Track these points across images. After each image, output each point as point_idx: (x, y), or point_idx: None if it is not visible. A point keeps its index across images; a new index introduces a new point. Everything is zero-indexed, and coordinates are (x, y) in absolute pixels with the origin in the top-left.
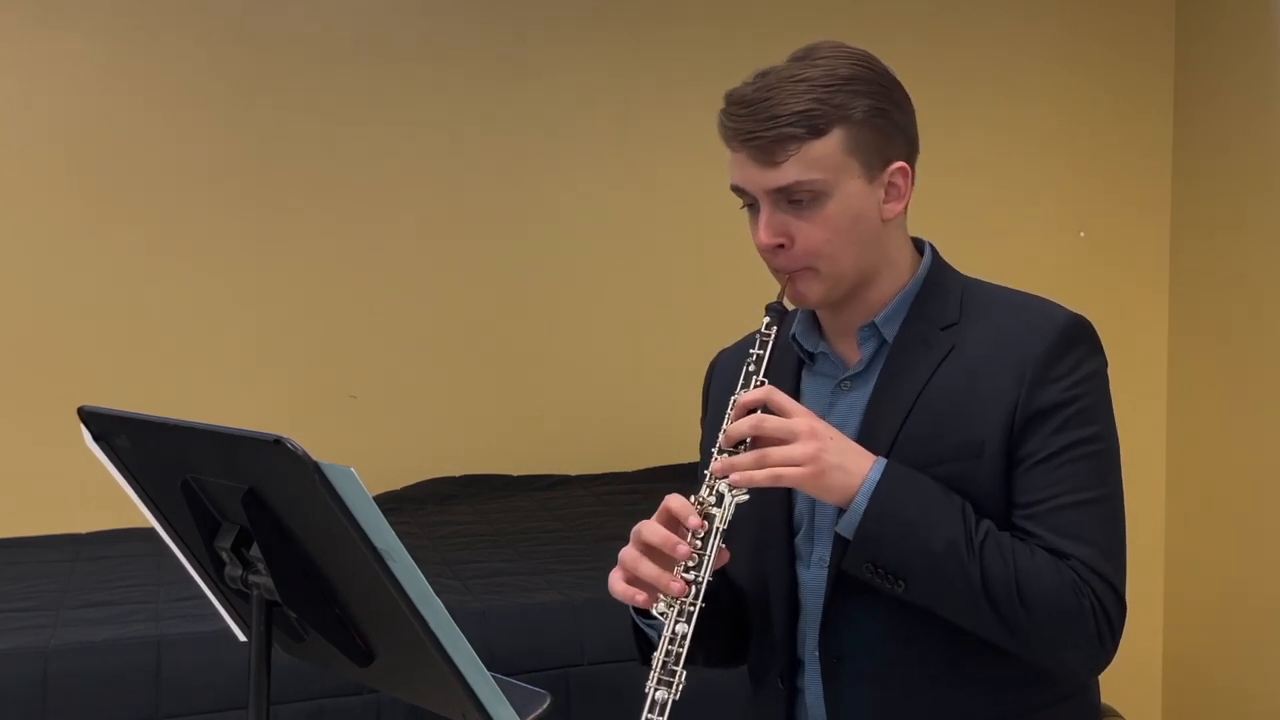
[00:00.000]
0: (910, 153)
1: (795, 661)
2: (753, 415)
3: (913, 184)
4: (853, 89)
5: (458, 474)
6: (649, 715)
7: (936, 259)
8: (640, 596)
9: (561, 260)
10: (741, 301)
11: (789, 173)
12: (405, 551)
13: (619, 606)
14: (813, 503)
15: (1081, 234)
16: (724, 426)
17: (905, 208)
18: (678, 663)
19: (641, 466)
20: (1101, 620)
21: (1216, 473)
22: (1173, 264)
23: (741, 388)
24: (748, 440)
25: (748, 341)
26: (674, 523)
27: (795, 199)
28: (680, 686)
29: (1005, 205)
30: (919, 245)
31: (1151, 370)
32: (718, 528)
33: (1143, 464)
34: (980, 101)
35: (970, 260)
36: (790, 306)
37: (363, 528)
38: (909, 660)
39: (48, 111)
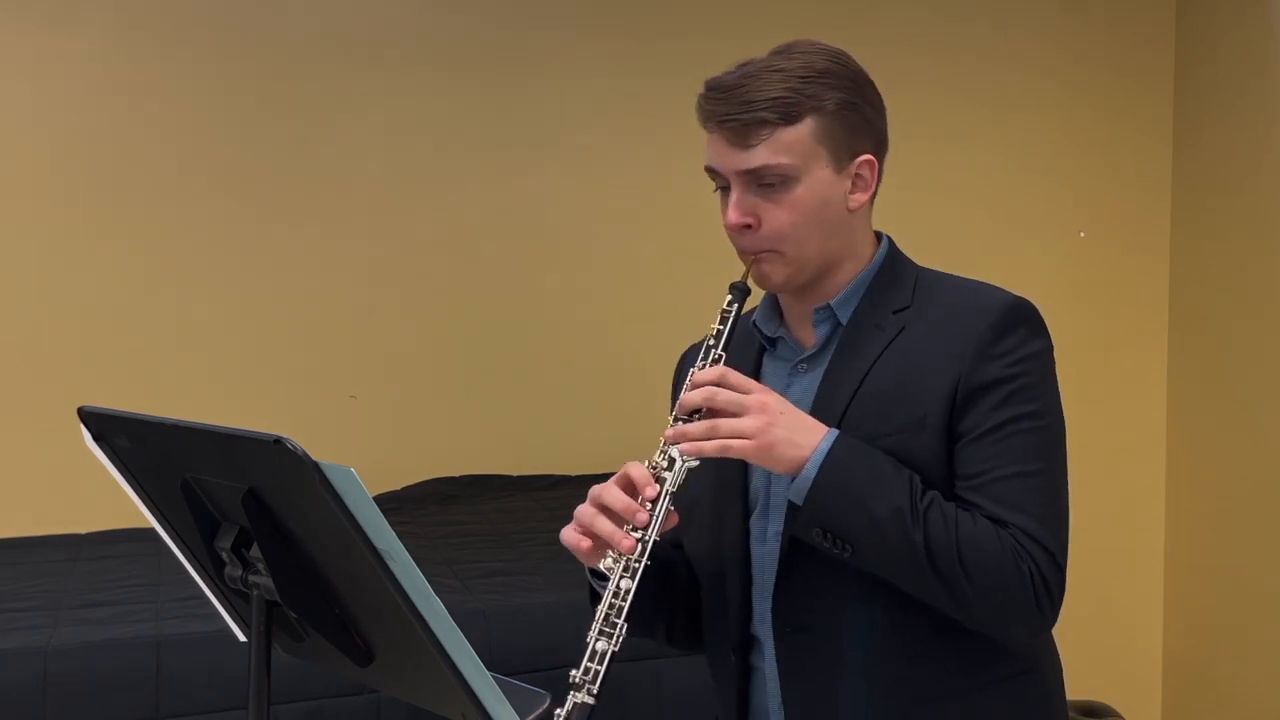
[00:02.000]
0: (879, 149)
1: (749, 636)
2: (706, 387)
3: (879, 179)
4: (826, 82)
5: (458, 474)
6: (588, 664)
7: (893, 249)
8: (585, 544)
9: (562, 260)
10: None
11: (760, 155)
12: (405, 551)
13: None
14: (768, 480)
15: (1081, 234)
16: (680, 396)
17: (870, 200)
18: (619, 615)
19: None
20: (1040, 586)
21: (1216, 473)
22: (1173, 264)
23: (701, 360)
24: (702, 410)
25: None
26: (632, 489)
27: (765, 182)
28: (621, 639)
29: (1006, 206)
30: (879, 238)
31: (1151, 370)
32: (667, 490)
33: (1143, 464)
34: (980, 101)
35: (972, 259)
36: (753, 287)
37: (363, 528)
38: (858, 633)
39: (49, 114)
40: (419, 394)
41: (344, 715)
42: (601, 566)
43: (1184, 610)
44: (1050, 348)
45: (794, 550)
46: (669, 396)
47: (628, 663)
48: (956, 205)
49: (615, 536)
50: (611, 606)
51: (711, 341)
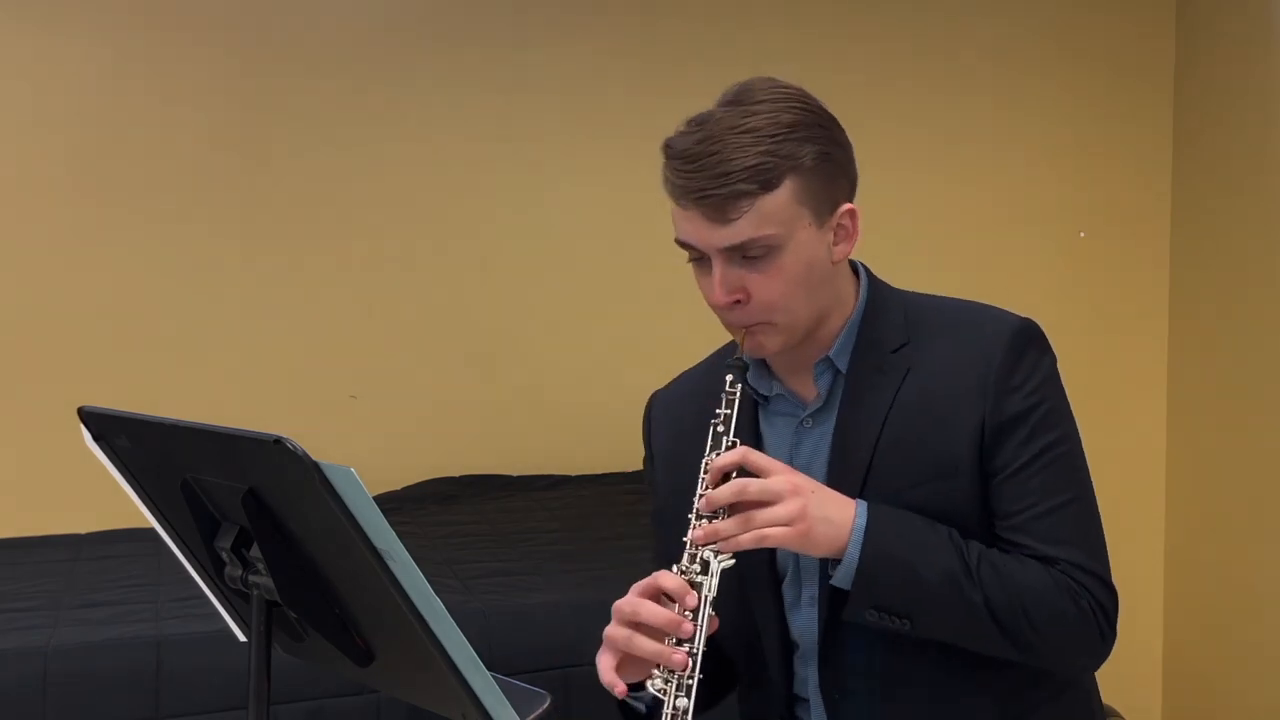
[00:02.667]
0: (852, 191)
1: (794, 701)
2: (734, 481)
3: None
4: (799, 136)
5: (458, 474)
6: None
7: (873, 280)
8: (620, 688)
9: (562, 261)
10: None
11: (743, 230)
12: (405, 551)
13: None
14: None
15: (1081, 234)
16: (700, 491)
17: (852, 249)
18: None
19: (641, 467)
20: (1100, 617)
21: (1216, 473)
22: (1173, 264)
23: (712, 449)
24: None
25: (684, 381)
26: (662, 599)
27: (749, 255)
28: None
29: (1006, 206)
30: (855, 270)
31: (1152, 371)
32: (706, 596)
33: (1143, 465)
34: (980, 102)
35: (971, 262)
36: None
37: (363, 528)
38: (909, 682)
39: (49, 113)
40: (419, 394)
41: (344, 715)
42: (650, 688)
43: (1184, 610)
44: (1055, 361)
45: (834, 613)
46: None
47: None
48: (956, 205)
49: (663, 655)
50: None
51: (721, 428)
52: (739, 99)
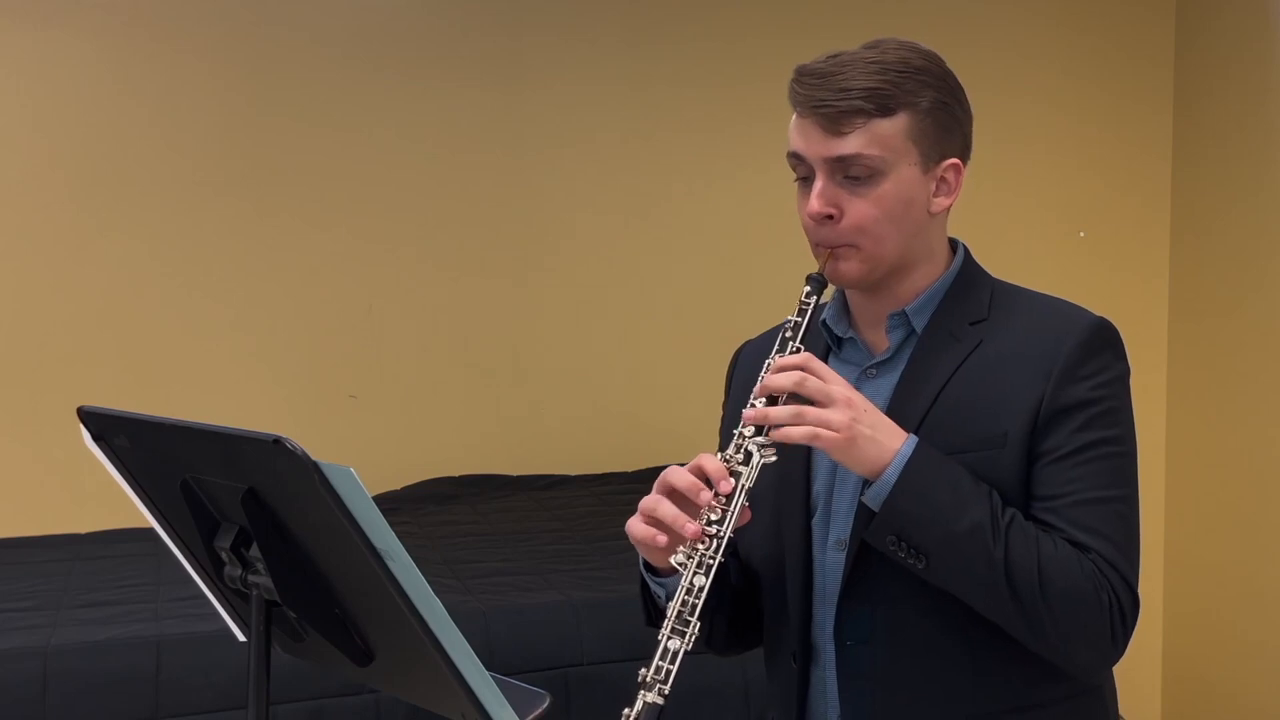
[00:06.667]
0: (964, 153)
1: (809, 644)
2: (794, 372)
3: (961, 184)
4: (922, 79)
5: (458, 474)
6: (660, 662)
7: (969, 258)
8: (661, 539)
9: (562, 261)
10: (742, 304)
11: (852, 143)
12: (405, 551)
13: (619, 606)
14: (831, 484)
15: (1081, 234)
16: (764, 379)
17: (951, 205)
18: (693, 613)
19: (641, 466)
20: (1116, 616)
21: (1216, 473)
22: (1173, 264)
23: (777, 352)
24: (782, 398)
25: (773, 333)
26: (703, 480)
27: (852, 174)
28: (693, 638)
29: (1005, 205)
30: (953, 245)
31: (1151, 370)
32: (743, 484)
33: (1143, 464)
34: (980, 101)
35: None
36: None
37: (362, 528)
38: (924, 647)
39: (48, 114)
40: (419, 394)
41: (344, 715)
42: (673, 562)
43: (1184, 610)
44: (1129, 372)
45: (861, 560)
46: (671, 399)
47: (626, 662)
48: (955, 205)
49: (679, 521)
50: (684, 604)
51: (789, 334)
52: (876, 44)
